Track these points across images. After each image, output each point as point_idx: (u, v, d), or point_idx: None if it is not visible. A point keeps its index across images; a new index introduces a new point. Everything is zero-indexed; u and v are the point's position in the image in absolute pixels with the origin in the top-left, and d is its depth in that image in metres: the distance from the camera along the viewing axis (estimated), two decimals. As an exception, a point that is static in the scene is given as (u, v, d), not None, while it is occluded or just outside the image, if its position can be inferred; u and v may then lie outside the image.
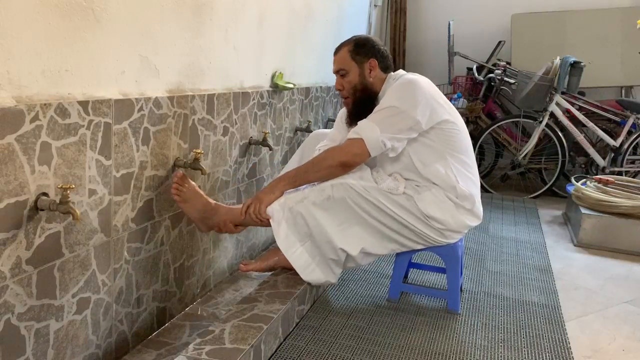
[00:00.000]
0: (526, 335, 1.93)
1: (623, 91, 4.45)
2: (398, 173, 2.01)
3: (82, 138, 1.44)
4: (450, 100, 2.39)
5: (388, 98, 1.95)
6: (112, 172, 1.58)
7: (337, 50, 2.08)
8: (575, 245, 3.05)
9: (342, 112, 2.20)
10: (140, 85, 1.68)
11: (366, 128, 1.90)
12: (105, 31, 1.50)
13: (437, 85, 2.12)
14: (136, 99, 1.64)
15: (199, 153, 1.90)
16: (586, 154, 4.02)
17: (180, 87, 1.90)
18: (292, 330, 1.87)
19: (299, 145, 2.82)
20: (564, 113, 3.91)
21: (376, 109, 1.96)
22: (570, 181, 3.53)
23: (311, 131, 2.90)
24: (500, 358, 1.77)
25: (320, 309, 2.04)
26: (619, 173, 3.84)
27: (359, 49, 2.04)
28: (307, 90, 3.18)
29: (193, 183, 1.91)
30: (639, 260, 2.87)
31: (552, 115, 3.93)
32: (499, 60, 4.45)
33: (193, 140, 1.99)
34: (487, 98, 4.39)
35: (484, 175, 4.34)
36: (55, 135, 1.34)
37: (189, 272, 2.08)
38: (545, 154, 4.13)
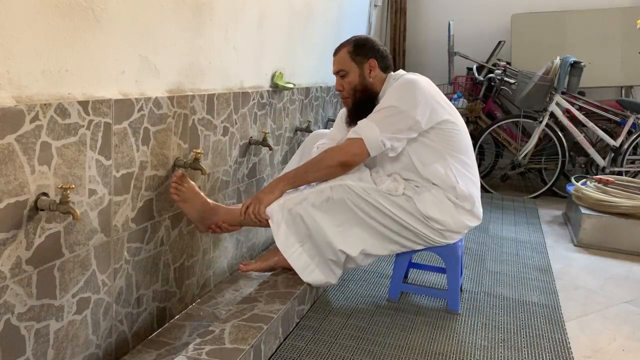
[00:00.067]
0: (526, 335, 1.93)
1: (623, 91, 4.45)
2: (397, 173, 2.01)
3: (82, 138, 1.44)
4: (450, 100, 2.39)
5: (388, 98, 1.95)
6: (112, 172, 1.58)
7: (337, 51, 2.08)
8: (575, 245, 3.05)
9: (343, 112, 2.20)
10: (140, 85, 1.68)
11: (366, 128, 1.90)
12: (105, 31, 1.50)
13: (437, 85, 2.12)
14: (136, 99, 1.64)
15: (199, 153, 1.90)
16: (586, 154, 4.02)
17: (180, 87, 1.90)
18: (292, 330, 1.87)
19: (299, 145, 2.82)
20: (564, 113, 3.91)
21: (376, 108, 1.96)
22: (570, 181, 3.53)
23: (311, 131, 2.91)
24: (500, 358, 1.77)
25: (320, 309, 2.04)
26: (619, 173, 3.84)
27: (358, 49, 2.04)
28: (307, 90, 3.18)
29: (192, 183, 1.91)
30: (639, 260, 2.87)
31: (552, 115, 3.93)
32: (499, 60, 4.45)
33: (193, 140, 1.99)
34: (487, 98, 4.39)
35: (484, 175, 4.34)
36: (55, 135, 1.34)
37: (189, 272, 2.08)
38: (545, 154, 4.13)
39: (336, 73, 2.08)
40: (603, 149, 4.05)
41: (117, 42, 1.56)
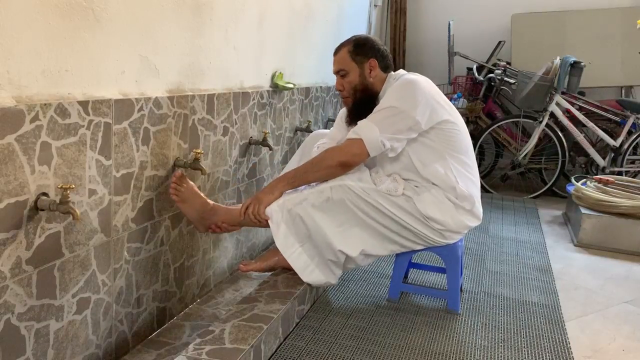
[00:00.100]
0: (526, 335, 1.93)
1: (623, 91, 4.45)
2: (397, 174, 2.01)
3: (82, 138, 1.44)
4: (450, 100, 2.39)
5: (388, 98, 1.95)
6: (112, 172, 1.58)
7: (337, 51, 2.08)
8: (575, 245, 3.05)
9: (343, 112, 2.20)
10: (140, 85, 1.68)
11: (365, 128, 1.90)
12: (105, 31, 1.50)
13: (437, 85, 2.12)
14: (136, 99, 1.64)
15: (199, 153, 1.90)
16: (586, 154, 4.02)
17: (180, 87, 1.90)
18: (292, 330, 1.87)
19: (299, 145, 2.82)
20: (564, 113, 3.91)
21: (376, 109, 1.96)
22: (570, 181, 3.53)
23: (311, 131, 2.91)
24: (500, 358, 1.77)
25: (320, 309, 2.04)
26: (619, 173, 3.84)
27: (358, 49, 2.04)
28: (307, 90, 3.18)
29: (192, 183, 1.91)
30: (639, 260, 2.87)
31: (552, 115, 3.93)
32: (499, 60, 4.45)
33: (193, 140, 1.99)
34: (487, 98, 4.39)
35: (484, 175, 4.34)
36: (55, 135, 1.34)
37: (189, 272, 2.08)
38: (545, 154, 4.13)
39: (336, 72, 2.08)
40: (603, 149, 4.05)
41: (117, 42, 1.56)
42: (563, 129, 3.95)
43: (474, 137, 3.85)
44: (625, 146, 3.84)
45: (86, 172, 1.47)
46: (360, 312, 2.03)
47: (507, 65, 4.22)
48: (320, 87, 3.42)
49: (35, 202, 1.31)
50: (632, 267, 2.77)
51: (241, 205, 1.98)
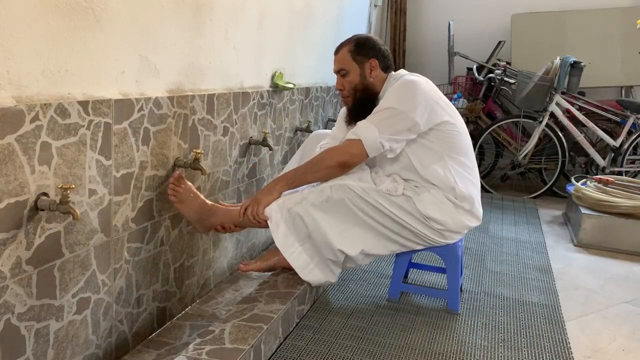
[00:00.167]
0: (526, 335, 1.93)
1: (623, 91, 4.45)
2: (397, 174, 2.01)
3: (82, 138, 1.44)
4: (450, 100, 2.39)
5: (387, 99, 1.95)
6: (112, 172, 1.58)
7: (338, 50, 2.08)
8: (575, 245, 3.05)
9: (344, 111, 2.20)
10: (140, 85, 1.68)
11: (364, 129, 1.90)
12: (105, 31, 1.50)
13: (437, 85, 2.12)
14: (136, 99, 1.64)
15: (199, 153, 1.90)
16: (586, 154, 4.02)
17: (180, 87, 1.90)
18: (292, 330, 1.87)
19: (299, 145, 2.82)
20: (564, 113, 3.91)
21: (375, 109, 1.96)
22: (570, 181, 3.53)
23: (311, 131, 2.91)
24: (500, 358, 1.77)
25: (320, 309, 2.04)
26: (619, 173, 3.84)
27: (359, 49, 2.04)
28: (307, 90, 3.18)
29: (190, 184, 1.91)
30: (639, 260, 2.87)
31: (552, 115, 3.93)
32: (499, 60, 4.45)
33: (193, 140, 1.99)
34: (487, 98, 4.39)
35: (484, 175, 4.34)
36: (55, 135, 1.34)
37: (189, 272, 2.08)
38: (545, 154, 4.13)
39: (337, 72, 2.08)
40: (603, 149, 4.05)
41: (117, 42, 1.56)
42: (563, 129, 3.95)
43: (474, 137, 3.85)
44: (625, 146, 3.84)
45: (86, 172, 1.47)
46: (360, 312, 2.03)
47: (507, 65, 4.22)
48: (320, 87, 3.42)
49: (35, 202, 1.31)
50: (632, 267, 2.77)
51: (240, 205, 1.98)
